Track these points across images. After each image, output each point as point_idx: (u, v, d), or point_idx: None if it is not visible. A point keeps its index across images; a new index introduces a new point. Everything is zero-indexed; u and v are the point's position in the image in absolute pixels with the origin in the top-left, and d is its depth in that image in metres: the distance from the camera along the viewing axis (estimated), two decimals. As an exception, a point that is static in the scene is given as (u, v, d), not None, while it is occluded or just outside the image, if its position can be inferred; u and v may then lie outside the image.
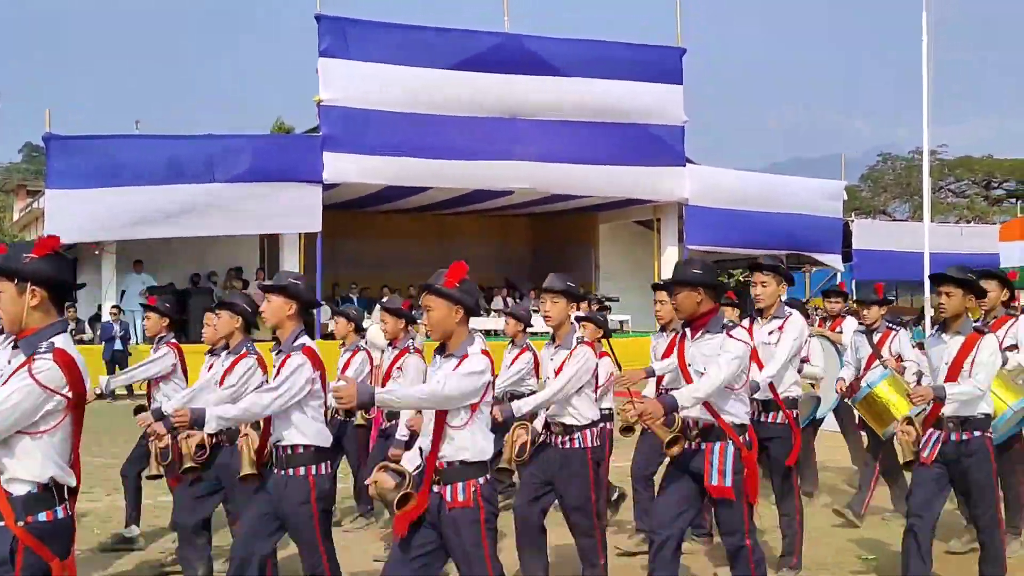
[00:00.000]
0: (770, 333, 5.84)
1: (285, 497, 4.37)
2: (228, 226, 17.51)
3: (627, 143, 19.69)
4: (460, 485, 3.89)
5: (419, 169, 18.32)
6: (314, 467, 4.40)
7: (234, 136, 18.27)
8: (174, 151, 17.24)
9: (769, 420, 5.84)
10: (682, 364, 4.75)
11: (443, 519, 3.91)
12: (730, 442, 4.54)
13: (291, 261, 18.27)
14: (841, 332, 8.62)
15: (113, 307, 17.12)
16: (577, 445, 5.23)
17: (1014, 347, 6.47)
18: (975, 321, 5.56)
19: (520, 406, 5.26)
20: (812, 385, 7.54)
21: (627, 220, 23.68)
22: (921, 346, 12.43)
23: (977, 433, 5.10)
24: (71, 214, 16.41)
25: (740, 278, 30.06)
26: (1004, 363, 6.11)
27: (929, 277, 6.82)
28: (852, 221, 26.41)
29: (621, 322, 20.62)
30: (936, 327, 5.34)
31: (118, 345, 16.34)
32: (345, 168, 17.76)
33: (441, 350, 4.05)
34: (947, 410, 5.07)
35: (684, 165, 20.62)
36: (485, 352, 4.00)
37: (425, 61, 18.15)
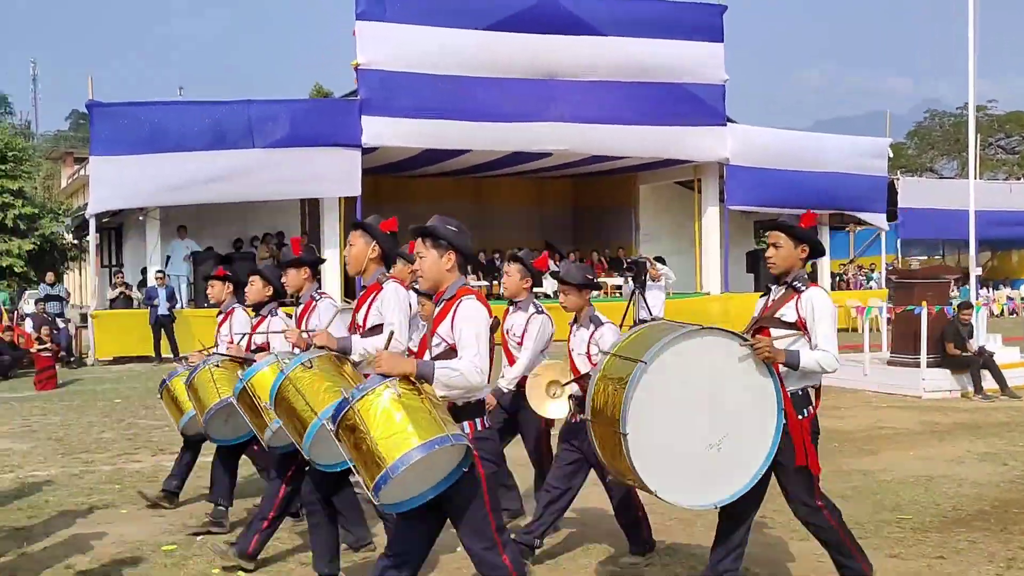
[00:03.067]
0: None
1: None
2: (269, 191, 17.67)
3: (667, 103, 19.47)
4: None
5: (457, 132, 18.30)
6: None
7: (273, 101, 18.32)
8: (215, 117, 17.38)
9: None
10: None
11: None
12: None
13: (332, 225, 18.41)
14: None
15: (158, 272, 17.36)
16: None
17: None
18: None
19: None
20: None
21: (667, 180, 23.48)
22: (967, 305, 12.25)
23: None
24: (115, 181, 16.71)
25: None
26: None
27: None
28: (898, 179, 25.97)
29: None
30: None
31: (163, 310, 16.58)
32: (383, 132, 17.81)
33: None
34: None
35: (725, 124, 20.36)
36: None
37: (462, 22, 18.07)
